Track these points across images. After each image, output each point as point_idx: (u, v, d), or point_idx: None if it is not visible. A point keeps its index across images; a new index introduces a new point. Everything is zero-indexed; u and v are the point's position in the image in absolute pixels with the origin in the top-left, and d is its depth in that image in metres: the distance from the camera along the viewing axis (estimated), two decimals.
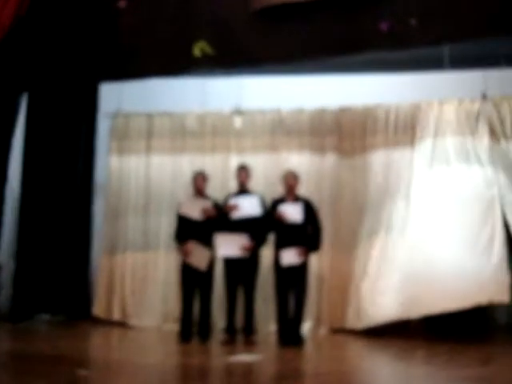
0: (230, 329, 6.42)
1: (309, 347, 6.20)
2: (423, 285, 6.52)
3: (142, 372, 4.95)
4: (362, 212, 7.16)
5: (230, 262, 6.46)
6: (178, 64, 6.64)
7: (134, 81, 7.34)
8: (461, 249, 6.62)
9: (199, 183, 6.70)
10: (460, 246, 6.63)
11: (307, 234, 6.37)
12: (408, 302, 6.55)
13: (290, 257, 6.24)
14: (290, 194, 6.45)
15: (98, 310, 7.69)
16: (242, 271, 6.44)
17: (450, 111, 7.08)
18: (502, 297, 6.32)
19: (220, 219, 6.50)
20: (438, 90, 7.15)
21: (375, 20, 5.89)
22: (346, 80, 7.40)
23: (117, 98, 7.80)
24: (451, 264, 6.53)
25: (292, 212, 6.29)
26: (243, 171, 6.71)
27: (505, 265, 6.47)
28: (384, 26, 5.85)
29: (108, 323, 7.53)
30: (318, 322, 7.06)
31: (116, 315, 7.61)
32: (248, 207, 6.42)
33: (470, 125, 7.01)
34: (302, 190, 6.64)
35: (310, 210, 6.41)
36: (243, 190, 6.67)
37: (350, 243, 7.15)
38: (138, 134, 7.89)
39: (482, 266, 6.48)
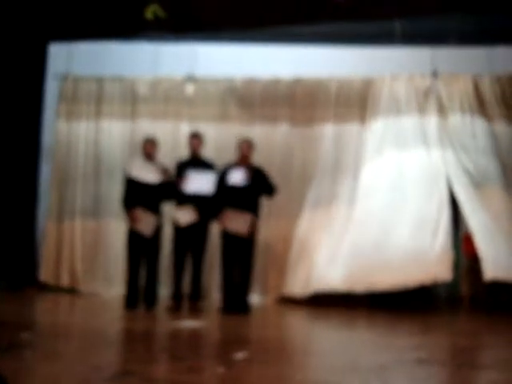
0: (177, 295, 6.44)
1: (254, 315, 6.28)
2: (369, 260, 6.65)
3: (86, 336, 4.93)
4: (311, 182, 7.24)
5: (179, 229, 6.45)
6: (130, 26, 6.53)
7: (85, 42, 7.19)
8: (407, 227, 6.76)
9: (149, 148, 6.63)
10: (407, 224, 6.77)
11: (255, 201, 6.39)
12: (353, 275, 6.67)
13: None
14: (243, 162, 6.45)
15: (44, 275, 7.60)
16: (191, 238, 6.44)
17: (400, 87, 7.19)
18: (445, 275, 6.49)
19: (170, 187, 6.46)
20: (390, 65, 7.24)
21: None
22: (300, 51, 7.41)
23: (66, 59, 7.61)
24: (397, 241, 6.70)
25: (237, 176, 6.29)
26: (195, 138, 6.66)
27: (449, 243, 6.63)
28: None
29: (54, 289, 7.47)
30: (263, 290, 7.16)
31: (63, 281, 7.56)
32: (201, 183, 6.37)
33: (419, 101, 7.14)
34: (254, 159, 6.65)
35: (261, 175, 6.43)
36: (195, 158, 6.64)
37: (297, 212, 7.23)
38: (88, 98, 7.75)
39: (428, 244, 6.64)
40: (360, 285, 6.66)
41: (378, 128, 7.17)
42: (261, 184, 6.39)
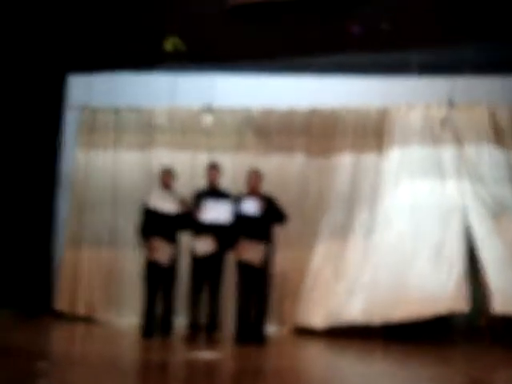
0: (193, 325, 6.42)
1: (270, 345, 6.23)
2: (385, 292, 6.62)
3: (102, 365, 4.92)
4: (327, 212, 7.22)
5: (197, 259, 6.46)
6: (149, 58, 6.63)
7: (104, 74, 7.30)
8: (423, 258, 6.73)
9: (166, 179, 6.70)
10: (422, 256, 6.74)
11: (267, 230, 6.39)
12: (370, 307, 6.64)
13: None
14: (253, 192, 6.48)
15: (60, 304, 7.61)
16: (208, 268, 6.44)
17: (416, 116, 7.19)
18: (461, 306, 6.44)
19: (188, 218, 6.49)
20: (406, 95, 7.25)
21: (347, 23, 5.95)
22: (316, 81, 7.45)
23: (85, 90, 7.73)
24: (413, 273, 6.66)
25: (249, 207, 6.31)
26: (214, 169, 6.71)
27: (465, 274, 6.58)
28: (355, 30, 5.91)
29: (70, 317, 7.47)
30: (279, 320, 7.10)
31: (79, 310, 7.56)
32: (218, 213, 6.40)
33: (435, 131, 7.13)
34: (269, 190, 6.66)
35: (271, 204, 6.44)
36: (213, 189, 6.67)
37: (314, 243, 7.21)
38: (106, 128, 7.84)
39: (444, 275, 6.60)
40: (377, 316, 6.61)
41: (394, 158, 7.17)
42: (272, 213, 6.41)
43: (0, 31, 7.14)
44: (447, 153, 7.07)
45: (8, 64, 7.39)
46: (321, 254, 7.15)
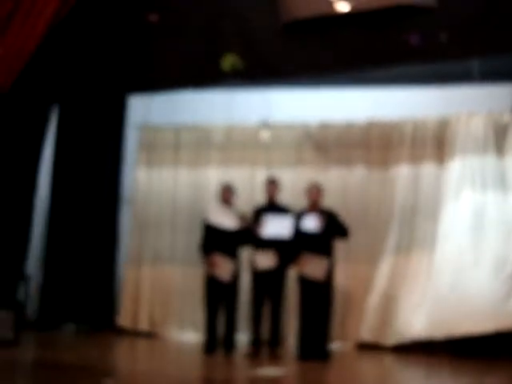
0: (256, 341, 6.41)
1: (334, 362, 6.14)
2: (448, 306, 6.48)
3: (167, 382, 4.95)
4: (389, 226, 7.11)
5: (258, 274, 6.46)
6: (207, 77, 6.67)
7: (162, 93, 7.41)
8: (486, 272, 6.56)
9: (226, 195, 6.73)
10: (486, 270, 6.57)
11: (329, 245, 6.34)
12: (433, 322, 6.51)
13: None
14: (313, 207, 6.44)
15: (123, 320, 7.72)
16: (269, 283, 6.43)
17: (478, 125, 7.01)
18: None
19: (248, 233, 6.51)
20: (467, 103, 7.10)
21: (404, 33, 5.86)
22: (374, 93, 7.38)
23: (145, 110, 7.88)
24: (476, 287, 6.49)
25: (310, 223, 6.27)
26: (272, 184, 6.72)
27: None
28: (413, 40, 5.82)
29: (132, 333, 7.56)
30: (342, 336, 7.00)
31: (141, 325, 7.65)
32: (278, 228, 6.38)
33: (498, 139, 6.94)
34: (330, 204, 6.61)
35: (332, 219, 6.38)
36: (272, 204, 6.67)
37: (376, 257, 7.10)
38: (165, 146, 7.94)
39: (507, 290, 6.42)
40: (440, 332, 6.45)
41: (455, 169, 7.00)
42: (333, 227, 6.35)
43: (64, 54, 7.32)
44: (510, 162, 6.85)
45: (69, 86, 7.58)
46: (384, 269, 7.03)
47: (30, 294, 7.60)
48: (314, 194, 6.49)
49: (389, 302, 6.91)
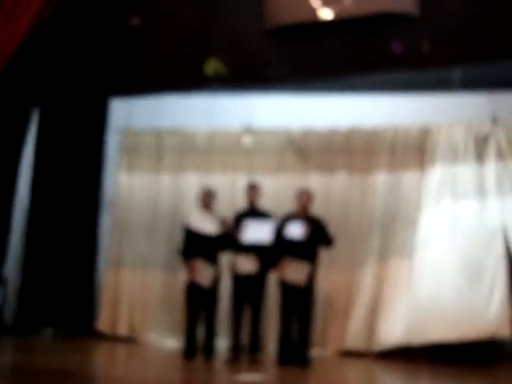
0: (236, 347, 6.39)
1: (314, 368, 6.15)
2: (426, 313, 6.53)
3: None
4: (370, 233, 7.15)
5: (238, 279, 6.45)
6: (190, 81, 6.67)
7: (144, 97, 7.39)
8: (465, 280, 6.62)
9: (207, 199, 6.72)
10: (464, 278, 6.63)
11: (313, 251, 6.35)
12: (411, 328, 6.55)
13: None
14: (303, 213, 6.46)
15: (102, 324, 7.65)
16: (250, 288, 6.43)
17: (459, 134, 7.08)
18: (503, 331, 6.31)
19: (228, 238, 6.50)
20: (448, 112, 7.17)
21: (387, 41, 5.92)
22: (356, 100, 7.43)
23: (126, 114, 7.84)
24: (455, 295, 6.55)
25: (295, 230, 6.29)
26: (253, 190, 6.73)
27: (507, 298, 6.44)
28: (396, 48, 5.87)
29: (111, 338, 7.50)
30: (323, 342, 7.00)
31: (120, 330, 7.58)
32: (259, 233, 6.39)
33: (478, 148, 7.01)
34: (311, 209, 6.63)
35: (319, 226, 6.40)
36: (253, 209, 6.67)
37: (357, 263, 7.13)
38: (147, 151, 7.90)
39: (485, 298, 6.49)
40: (418, 338, 6.49)
41: (435, 177, 7.06)
42: (319, 235, 6.37)
43: (45, 57, 7.28)
44: (490, 171, 6.93)
45: (51, 88, 7.53)
46: (365, 276, 7.06)
47: (8, 298, 7.52)
48: (304, 199, 6.51)
49: (370, 309, 6.94)
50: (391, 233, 7.09)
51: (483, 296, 6.50)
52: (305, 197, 6.51)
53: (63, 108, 7.96)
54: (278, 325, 6.36)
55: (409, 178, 7.20)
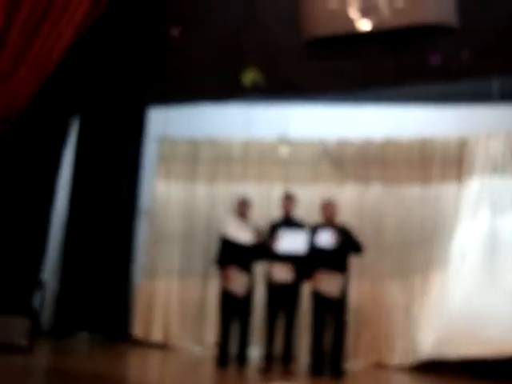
0: (269, 356, 6.40)
1: (347, 379, 6.12)
2: (459, 327, 6.45)
3: None
4: (406, 245, 7.10)
5: (273, 288, 6.46)
6: (227, 91, 6.72)
7: (182, 106, 7.46)
8: (500, 295, 6.52)
9: (242, 209, 6.75)
10: (500, 293, 6.53)
11: (343, 261, 6.34)
12: (445, 342, 6.48)
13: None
14: (328, 222, 6.47)
15: (136, 330, 7.73)
16: (284, 298, 6.43)
17: (497, 146, 7.01)
18: None
19: (263, 248, 6.53)
20: (486, 123, 7.09)
21: (425, 52, 5.88)
22: (392, 111, 7.40)
23: (164, 123, 7.94)
24: (489, 309, 6.45)
25: (325, 238, 6.29)
26: (289, 200, 6.74)
27: None
28: (434, 59, 5.84)
29: (145, 344, 7.57)
30: (357, 354, 6.96)
31: (155, 337, 7.65)
32: (293, 243, 6.41)
33: None
34: (345, 220, 6.62)
35: (347, 234, 6.39)
36: (288, 219, 6.69)
37: (390, 275, 7.08)
38: (184, 160, 7.98)
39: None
40: (453, 352, 6.39)
41: (473, 189, 7.00)
42: (348, 243, 6.36)
43: (85, 65, 7.42)
44: None
45: (90, 97, 7.66)
46: (397, 288, 7.01)
47: (46, 302, 7.65)
48: (329, 210, 6.53)
49: (403, 322, 6.88)
50: (426, 245, 7.03)
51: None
52: (329, 208, 6.53)
53: (102, 117, 8.11)
54: (311, 335, 6.35)
55: (446, 190, 7.14)
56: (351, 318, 6.69)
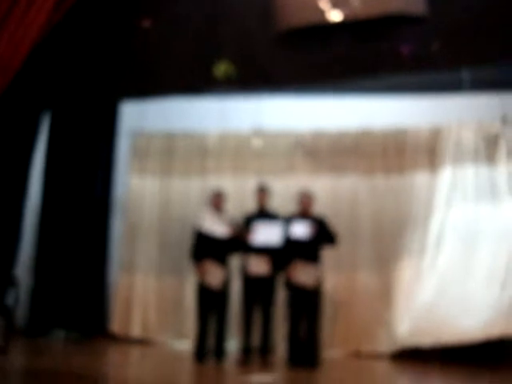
0: (246, 349, 6.41)
1: (324, 369, 6.16)
2: (436, 314, 6.53)
3: None
4: (381, 234, 7.15)
5: (249, 281, 6.46)
6: (199, 83, 6.67)
7: (155, 99, 7.40)
8: (475, 281, 6.60)
9: (217, 201, 6.73)
10: (474, 279, 6.61)
11: (318, 251, 6.37)
12: (420, 329, 6.54)
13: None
14: (304, 213, 6.48)
15: (114, 326, 7.69)
16: (260, 291, 6.44)
17: (469, 135, 7.08)
18: None
19: (239, 240, 6.52)
20: (458, 113, 7.16)
21: (396, 43, 5.90)
22: (365, 102, 7.43)
23: (137, 117, 7.87)
24: (464, 296, 6.54)
25: (301, 229, 6.30)
26: (262, 192, 6.74)
27: None
28: (405, 49, 5.86)
29: (123, 340, 7.54)
30: (332, 344, 7.01)
31: (132, 332, 7.62)
32: (268, 235, 6.42)
33: (489, 149, 7.01)
34: (320, 211, 6.64)
35: (322, 225, 6.42)
36: (262, 211, 6.69)
37: (365, 265, 7.14)
38: (158, 154, 7.94)
39: (496, 298, 6.46)
40: (428, 339, 6.46)
41: (446, 178, 7.07)
42: (323, 234, 6.38)
43: (55, 60, 7.31)
44: (502, 171, 6.92)
45: (61, 92, 7.56)
46: (372, 277, 7.06)
47: (20, 300, 7.56)
48: (305, 201, 6.54)
49: (379, 310, 6.94)
50: (401, 234, 7.09)
51: (495, 296, 6.46)
52: (305, 199, 6.54)
53: (74, 111, 8.01)
54: (287, 326, 6.38)
55: (419, 179, 7.20)
56: (328, 308, 6.73)
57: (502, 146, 6.96)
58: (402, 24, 5.93)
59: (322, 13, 5.98)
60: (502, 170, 6.92)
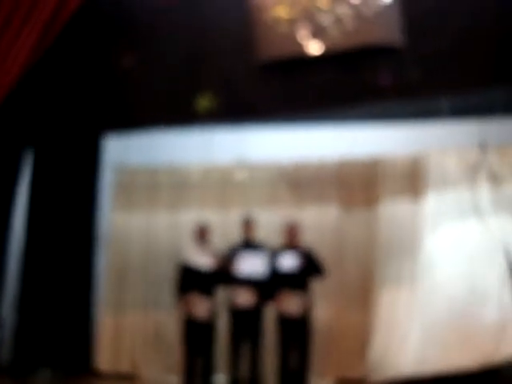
0: (235, 382, 6.34)
1: None
2: (434, 341, 6.46)
3: None
4: (367, 264, 7.15)
5: (236, 313, 6.43)
6: (182, 117, 6.73)
7: (138, 133, 7.44)
8: (467, 303, 6.57)
9: (202, 234, 6.74)
10: (467, 301, 6.59)
11: (306, 283, 6.36)
12: (419, 357, 6.46)
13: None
14: (291, 245, 6.48)
15: (100, 363, 7.58)
16: (247, 322, 6.40)
17: (450, 162, 7.15)
18: (509, 349, 6.18)
19: (224, 272, 6.50)
20: (437, 141, 7.23)
21: (375, 73, 6.01)
22: (347, 132, 7.49)
23: (121, 151, 7.88)
24: (459, 319, 6.50)
25: (289, 262, 6.29)
26: (248, 224, 6.76)
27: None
28: (383, 79, 5.96)
29: (109, 377, 7.42)
30: (323, 372, 6.93)
31: (120, 368, 7.52)
32: (254, 266, 6.42)
33: (470, 174, 7.06)
34: (305, 242, 6.64)
35: (310, 258, 6.42)
36: (248, 243, 6.69)
37: (355, 295, 7.12)
38: (142, 189, 7.92)
39: (490, 319, 6.42)
40: (428, 367, 6.35)
41: (430, 204, 7.11)
42: (311, 266, 6.39)
43: (37, 96, 7.34)
44: (484, 193, 6.98)
45: (44, 127, 7.57)
46: (360, 306, 7.04)
47: (4, 339, 7.45)
48: (292, 233, 6.57)
49: (369, 339, 6.90)
50: (387, 263, 7.08)
51: (488, 316, 6.41)
52: (291, 230, 6.58)
53: (57, 147, 7.99)
54: (277, 356, 6.33)
55: (403, 207, 7.23)
56: (318, 338, 6.68)
57: (482, 172, 7.03)
58: (380, 54, 6.05)
59: (301, 45, 6.08)
60: (483, 194, 6.97)
